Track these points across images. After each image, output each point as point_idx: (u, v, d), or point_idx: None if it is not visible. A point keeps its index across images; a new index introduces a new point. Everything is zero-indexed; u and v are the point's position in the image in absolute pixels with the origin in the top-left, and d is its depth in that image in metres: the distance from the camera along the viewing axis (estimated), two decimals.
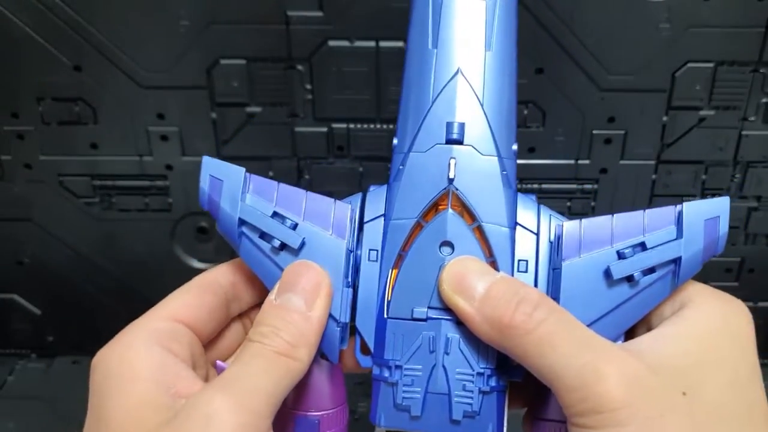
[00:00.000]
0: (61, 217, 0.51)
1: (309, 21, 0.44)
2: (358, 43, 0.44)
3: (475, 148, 0.30)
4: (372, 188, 0.32)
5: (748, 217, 0.49)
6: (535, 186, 0.48)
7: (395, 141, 0.31)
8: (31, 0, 0.43)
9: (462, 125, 0.30)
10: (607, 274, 0.28)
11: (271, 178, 0.48)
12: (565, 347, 0.26)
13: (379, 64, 0.45)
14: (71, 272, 0.53)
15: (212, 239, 0.51)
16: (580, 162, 0.47)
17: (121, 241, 0.52)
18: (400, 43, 0.44)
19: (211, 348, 0.32)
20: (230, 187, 0.30)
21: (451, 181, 0.29)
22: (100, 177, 0.49)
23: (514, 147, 0.31)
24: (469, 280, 0.28)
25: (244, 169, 0.31)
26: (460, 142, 0.30)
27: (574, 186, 0.48)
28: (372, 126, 0.47)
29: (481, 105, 0.30)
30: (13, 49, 0.45)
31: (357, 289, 0.30)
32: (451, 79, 0.30)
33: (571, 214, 0.49)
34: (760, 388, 0.27)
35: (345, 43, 0.44)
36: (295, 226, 0.30)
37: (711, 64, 0.44)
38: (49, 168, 0.49)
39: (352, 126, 0.47)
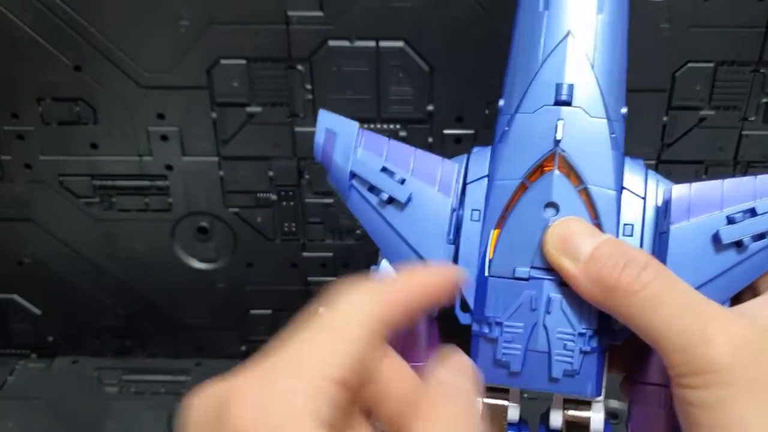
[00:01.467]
0: (61, 217, 0.51)
1: (309, 21, 0.44)
2: (358, 43, 0.44)
3: (584, 110, 0.29)
4: (476, 149, 0.32)
5: None
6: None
7: (501, 102, 0.31)
8: (31, 0, 0.43)
9: (571, 86, 0.29)
10: (716, 238, 0.28)
11: (271, 178, 0.49)
12: (671, 309, 0.26)
13: (379, 64, 0.45)
14: (71, 272, 0.53)
15: (212, 239, 0.51)
16: None
17: (121, 241, 0.52)
18: (400, 43, 0.44)
19: None
20: (344, 140, 0.31)
21: (557, 142, 0.29)
22: (100, 177, 0.49)
23: (624, 110, 0.30)
24: (574, 241, 0.28)
25: (357, 124, 0.31)
26: (568, 103, 0.29)
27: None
28: (372, 126, 0.47)
29: (592, 66, 0.30)
30: (13, 49, 0.45)
31: (458, 248, 0.30)
32: (562, 40, 0.30)
33: None
34: None
35: (345, 43, 0.44)
36: (402, 181, 0.30)
37: (711, 64, 0.44)
38: (49, 168, 0.49)
39: None
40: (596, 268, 0.27)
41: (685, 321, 0.25)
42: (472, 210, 0.30)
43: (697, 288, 0.28)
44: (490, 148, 0.31)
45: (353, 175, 0.31)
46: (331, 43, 0.44)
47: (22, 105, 0.47)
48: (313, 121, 0.46)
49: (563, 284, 0.28)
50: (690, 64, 0.44)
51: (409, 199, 0.30)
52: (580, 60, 0.30)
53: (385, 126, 0.47)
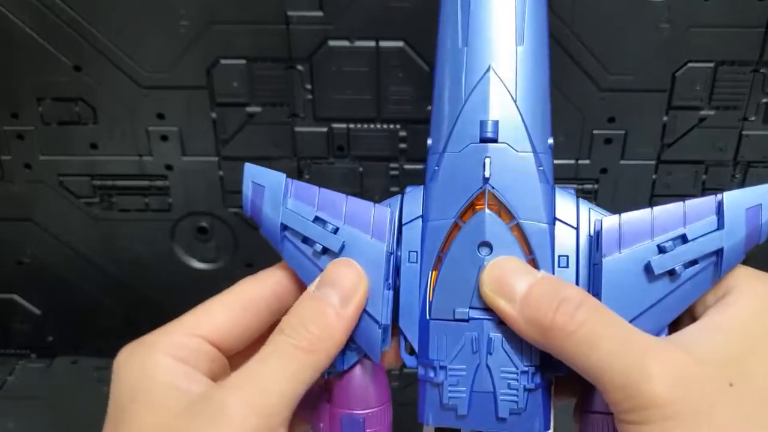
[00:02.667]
0: (61, 217, 0.51)
1: (309, 21, 0.44)
2: (358, 43, 0.44)
3: (510, 146, 0.29)
4: (409, 189, 0.32)
5: None
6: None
7: (429, 141, 0.31)
8: (31, 0, 0.43)
9: (495, 123, 0.29)
10: (648, 269, 0.28)
11: None
12: (608, 346, 0.26)
13: (379, 64, 0.45)
14: (71, 272, 0.53)
15: (212, 239, 0.51)
16: (580, 162, 0.47)
17: (121, 241, 0.52)
18: (400, 43, 0.44)
19: (243, 354, 0.32)
20: (272, 192, 0.31)
21: (486, 180, 0.29)
22: (100, 177, 0.49)
23: (550, 141, 0.30)
24: (509, 281, 0.28)
25: (284, 175, 0.31)
26: (494, 140, 0.29)
27: (574, 186, 0.48)
28: (372, 126, 0.47)
29: (515, 101, 0.30)
30: (13, 49, 0.45)
31: (398, 291, 0.31)
32: (483, 76, 0.30)
33: None
34: None
35: (345, 43, 0.44)
36: (336, 230, 0.30)
37: (711, 64, 0.44)
38: (49, 168, 0.49)
39: (352, 126, 0.47)
40: (531, 309, 0.27)
41: (624, 358, 0.25)
42: (409, 252, 0.31)
43: (633, 319, 0.28)
44: (422, 187, 0.31)
45: (285, 227, 0.31)
46: (331, 43, 0.44)
47: (22, 105, 0.47)
48: (314, 121, 0.47)
49: (503, 323, 0.28)
50: (690, 64, 0.44)
51: (342, 248, 0.30)
52: (502, 95, 0.30)
53: (385, 126, 0.47)
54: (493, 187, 0.29)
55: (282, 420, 0.27)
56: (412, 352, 0.31)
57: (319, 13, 0.43)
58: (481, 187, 0.29)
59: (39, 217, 0.51)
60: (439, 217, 0.30)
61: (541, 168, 0.30)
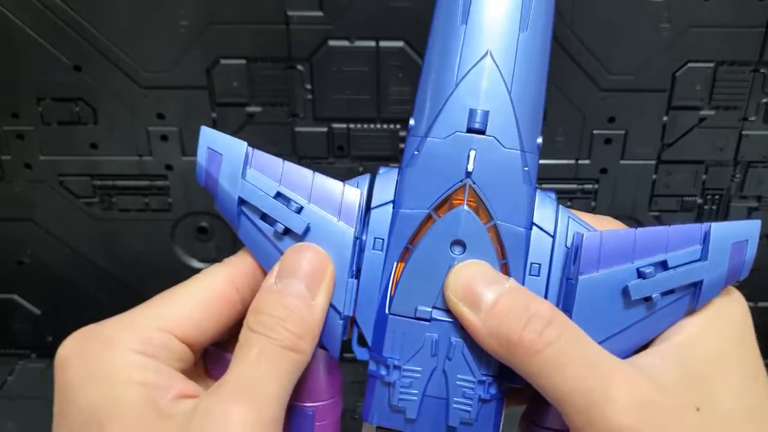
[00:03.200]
0: (61, 217, 0.51)
1: (309, 21, 0.44)
2: (358, 43, 0.44)
3: (497, 140, 0.28)
4: (382, 170, 0.30)
5: (748, 218, 0.49)
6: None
7: (411, 122, 0.29)
8: (31, 0, 0.43)
9: (486, 114, 0.27)
10: (625, 293, 0.27)
11: None
12: (575, 369, 0.25)
13: (379, 64, 0.45)
14: (71, 272, 0.53)
15: (212, 239, 0.51)
16: (580, 162, 0.47)
17: (121, 241, 0.52)
18: (400, 43, 0.44)
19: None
20: (230, 162, 0.28)
21: (469, 174, 0.27)
22: (100, 177, 0.49)
23: (539, 140, 0.29)
24: (476, 289, 0.27)
25: (245, 143, 0.29)
26: (482, 131, 0.27)
27: (574, 186, 0.48)
28: (372, 126, 0.47)
29: (509, 93, 0.28)
30: (13, 49, 0.45)
31: (359, 278, 0.29)
32: (479, 61, 0.28)
33: None
34: (765, 384, 0.27)
35: (345, 43, 0.44)
36: (300, 210, 0.28)
37: (711, 64, 0.44)
38: (49, 168, 0.49)
39: (352, 126, 0.47)
40: (497, 322, 0.26)
41: (589, 382, 0.25)
42: (375, 238, 0.28)
43: (603, 341, 0.27)
44: (397, 169, 0.29)
45: (243, 201, 0.28)
46: (331, 43, 0.44)
47: (22, 105, 0.47)
48: (314, 121, 0.47)
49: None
50: (690, 64, 0.44)
51: (307, 230, 0.28)
52: (497, 84, 0.28)
53: (384, 126, 0.47)
54: (474, 182, 0.27)
55: (281, 422, 0.25)
56: (364, 344, 0.29)
57: (319, 13, 0.43)
58: (461, 180, 0.27)
59: (39, 217, 0.51)
60: (412, 206, 0.28)
61: (526, 168, 0.28)
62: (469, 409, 0.27)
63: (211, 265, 0.52)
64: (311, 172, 0.29)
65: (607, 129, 0.46)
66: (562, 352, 0.25)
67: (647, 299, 0.27)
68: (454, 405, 0.27)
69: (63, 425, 0.26)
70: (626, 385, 0.25)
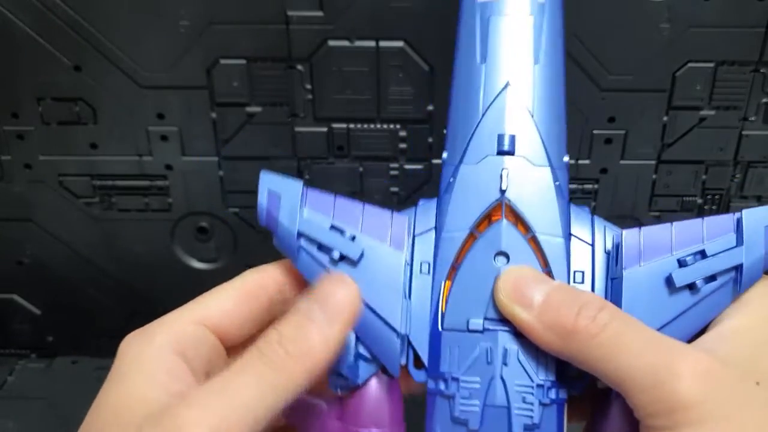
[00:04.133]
0: (61, 217, 0.51)
1: (309, 21, 0.44)
2: (358, 43, 0.44)
3: (527, 159, 0.30)
4: (422, 202, 0.31)
5: None
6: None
7: (445, 155, 0.31)
8: (31, 0, 0.43)
9: (513, 137, 0.30)
10: (669, 282, 0.28)
11: None
12: (634, 347, 0.25)
13: (379, 64, 0.45)
14: (71, 272, 0.53)
15: (212, 239, 0.51)
16: (580, 162, 0.47)
17: (121, 241, 0.52)
18: (400, 43, 0.44)
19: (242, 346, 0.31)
20: (288, 200, 0.30)
21: (503, 192, 0.29)
22: (100, 177, 0.49)
23: (566, 158, 0.31)
24: (526, 288, 0.27)
25: (302, 182, 0.30)
26: (511, 153, 0.29)
27: (574, 186, 0.48)
28: (372, 126, 0.47)
29: (532, 116, 0.30)
30: (13, 49, 0.45)
31: (410, 301, 0.30)
32: (501, 91, 0.30)
33: None
34: None
35: (345, 43, 0.44)
36: (353, 238, 0.30)
37: (711, 64, 0.44)
38: (49, 168, 0.49)
39: (352, 126, 0.47)
40: (551, 315, 0.27)
41: (650, 358, 0.25)
42: (421, 263, 0.30)
43: None
44: (435, 199, 0.31)
45: (301, 235, 0.30)
46: (331, 43, 0.44)
47: (22, 105, 0.47)
48: (314, 121, 0.47)
49: (519, 335, 0.28)
50: (690, 64, 0.44)
51: (361, 256, 0.29)
52: (520, 110, 0.30)
53: (385, 126, 0.47)
54: (509, 200, 0.29)
55: None
56: (420, 366, 0.30)
57: (319, 13, 0.43)
58: (498, 199, 0.29)
59: (39, 217, 0.51)
60: (454, 228, 0.30)
61: (558, 183, 0.30)
62: (531, 414, 0.28)
63: (210, 265, 0.53)
64: (361, 203, 0.30)
65: (607, 129, 0.46)
66: (619, 333, 0.26)
67: (692, 287, 0.28)
68: (516, 411, 0.28)
69: (92, 413, 0.27)
70: (689, 359, 0.25)
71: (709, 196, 0.48)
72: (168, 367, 0.27)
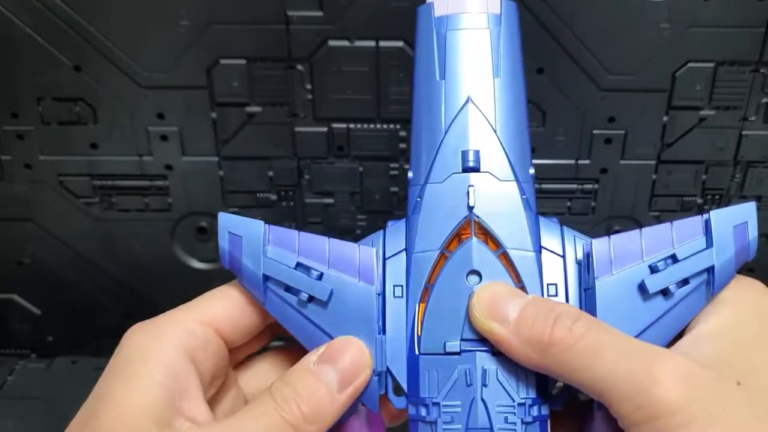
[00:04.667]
0: (61, 217, 0.51)
1: (309, 21, 0.44)
2: (358, 43, 0.44)
3: (492, 175, 0.29)
4: (390, 223, 0.31)
5: None
6: (536, 186, 0.48)
7: (410, 174, 0.31)
8: (31, 0, 0.43)
9: (477, 152, 0.29)
10: (642, 288, 0.28)
11: (271, 178, 0.49)
12: (612, 355, 0.25)
13: (379, 64, 0.45)
14: (71, 272, 0.53)
15: (212, 239, 0.51)
16: (580, 162, 0.47)
17: (121, 241, 0.52)
18: (400, 43, 0.44)
19: (239, 349, 0.32)
20: (250, 242, 0.29)
21: (471, 209, 0.29)
22: (100, 177, 0.49)
23: (531, 171, 0.30)
24: (501, 304, 0.27)
25: (262, 222, 0.30)
26: (476, 169, 0.29)
27: (574, 186, 0.48)
28: (372, 126, 0.47)
29: (494, 131, 0.30)
30: (13, 49, 0.45)
31: (385, 327, 0.29)
32: (462, 107, 0.30)
33: (571, 214, 0.49)
34: None
35: (345, 43, 0.44)
36: (320, 276, 0.29)
37: (711, 64, 0.44)
38: (49, 168, 0.49)
39: (352, 126, 0.47)
40: (527, 328, 0.26)
41: (629, 364, 0.25)
42: (394, 286, 0.30)
43: None
44: (404, 220, 0.31)
45: (267, 277, 0.29)
46: (331, 43, 0.44)
47: (22, 105, 0.47)
48: (314, 121, 0.47)
49: (497, 354, 0.28)
50: (690, 64, 0.44)
51: (330, 295, 0.29)
52: (482, 125, 0.30)
53: (384, 126, 0.47)
54: (477, 216, 0.29)
55: None
56: (400, 393, 0.29)
57: (319, 13, 0.43)
58: (466, 216, 0.29)
59: (39, 217, 0.51)
60: (424, 249, 0.29)
61: (525, 196, 0.29)
62: None
63: (210, 265, 0.53)
64: (326, 238, 0.30)
65: (607, 129, 0.46)
66: (597, 342, 0.25)
67: (665, 292, 0.28)
68: None
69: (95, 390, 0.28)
70: (669, 363, 0.25)
71: (709, 196, 0.48)
72: (177, 371, 0.27)
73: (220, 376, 0.30)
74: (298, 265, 0.29)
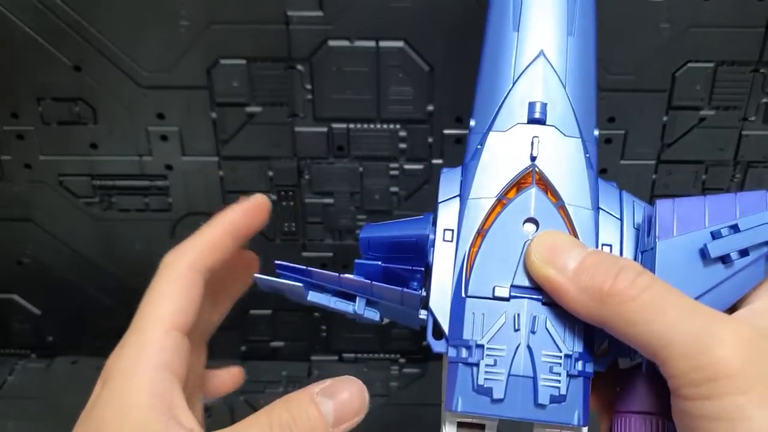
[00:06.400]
0: (61, 217, 0.51)
1: (309, 21, 0.44)
2: (358, 43, 0.44)
3: (557, 129, 0.29)
4: (445, 170, 0.31)
5: None
6: None
7: (472, 122, 0.31)
8: (31, 0, 0.43)
9: (544, 105, 0.29)
10: (703, 253, 0.27)
11: (271, 178, 0.49)
12: (675, 312, 0.24)
13: (379, 64, 0.45)
14: (71, 272, 0.53)
15: None
16: None
17: (121, 241, 0.52)
18: (400, 43, 0.44)
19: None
20: (294, 293, 0.31)
21: (534, 159, 0.29)
22: (100, 177, 0.49)
23: (596, 133, 0.30)
24: (561, 250, 0.27)
25: (301, 285, 0.30)
26: (542, 122, 0.29)
27: None
28: (372, 126, 0.47)
29: (564, 87, 0.30)
30: (13, 49, 0.45)
31: (431, 270, 0.29)
32: (534, 59, 0.30)
33: None
34: None
35: (345, 43, 0.44)
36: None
37: (711, 64, 0.44)
38: (49, 168, 0.49)
39: (352, 126, 0.47)
40: (588, 276, 0.26)
41: (691, 323, 0.24)
42: (444, 230, 0.29)
43: None
44: (460, 168, 0.30)
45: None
46: (331, 43, 0.44)
47: (22, 105, 0.47)
48: (314, 121, 0.47)
49: (546, 303, 0.27)
50: (690, 64, 0.44)
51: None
52: (552, 79, 0.30)
53: (384, 126, 0.47)
54: (539, 168, 0.29)
55: None
56: (439, 336, 0.28)
57: (319, 13, 0.43)
58: (528, 166, 0.29)
59: (39, 217, 0.51)
60: (481, 195, 0.29)
61: (588, 155, 0.29)
62: (558, 385, 0.27)
63: None
64: (369, 282, 0.30)
65: (607, 129, 0.46)
66: (659, 296, 0.25)
67: (725, 260, 0.27)
68: (542, 382, 0.27)
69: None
70: (732, 327, 0.24)
71: None
72: (162, 391, 0.28)
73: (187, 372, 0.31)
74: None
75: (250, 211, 0.34)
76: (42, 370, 0.56)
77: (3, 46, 0.45)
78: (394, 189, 0.49)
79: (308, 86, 0.45)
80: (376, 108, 0.46)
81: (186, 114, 0.47)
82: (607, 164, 0.47)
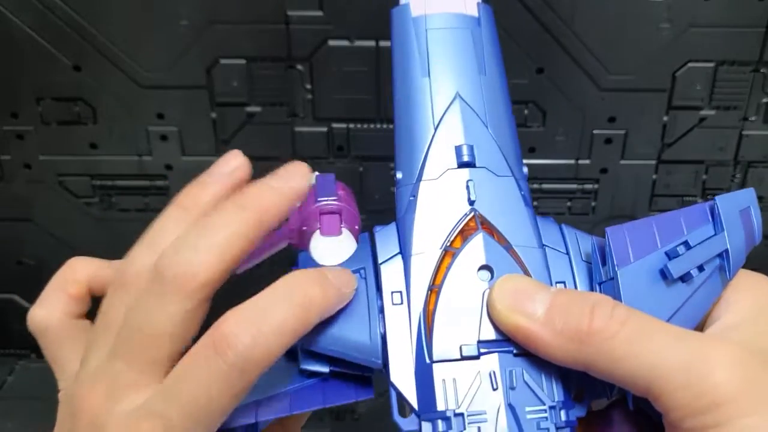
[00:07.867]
0: (61, 217, 0.51)
1: (309, 21, 0.44)
2: (358, 43, 0.44)
3: (489, 170, 0.28)
4: (378, 228, 0.29)
5: None
6: (535, 186, 0.48)
7: (398, 175, 0.29)
8: (31, 0, 0.43)
9: (471, 147, 0.28)
10: (664, 274, 0.26)
11: None
12: (661, 340, 0.23)
13: (379, 64, 0.45)
14: None
15: None
16: (580, 162, 0.47)
17: (121, 241, 0.52)
18: None
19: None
20: None
21: (472, 203, 0.27)
22: (100, 177, 0.49)
23: (525, 170, 0.29)
24: (526, 295, 0.25)
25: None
26: (472, 164, 0.28)
27: (574, 186, 0.48)
28: (372, 126, 0.47)
29: (486, 126, 0.29)
30: (13, 49, 0.45)
31: (385, 340, 0.26)
32: (452, 103, 0.29)
33: (571, 214, 0.49)
34: None
35: (345, 43, 0.44)
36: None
37: (711, 64, 0.44)
38: (49, 168, 0.49)
39: (352, 126, 0.47)
40: (561, 319, 0.24)
41: (681, 349, 0.23)
42: (392, 293, 0.27)
43: None
44: (393, 224, 0.29)
45: None
46: (331, 43, 0.44)
47: (21, 105, 0.47)
48: (314, 121, 0.47)
49: (519, 354, 0.25)
50: (690, 64, 0.44)
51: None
52: (474, 121, 0.29)
53: (384, 126, 0.47)
54: (479, 212, 0.27)
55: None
56: (405, 412, 0.26)
57: (319, 13, 0.43)
58: (468, 212, 0.27)
59: (39, 217, 0.51)
60: (424, 249, 0.27)
61: (523, 193, 0.28)
62: None
63: None
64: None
65: (607, 129, 0.46)
66: (640, 327, 0.23)
67: (685, 278, 0.26)
68: None
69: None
70: (721, 349, 0.23)
71: (709, 196, 0.48)
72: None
73: None
74: None
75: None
76: (42, 370, 0.56)
77: (3, 46, 0.45)
78: (394, 189, 0.49)
79: (308, 86, 0.45)
80: (376, 108, 0.46)
81: (186, 114, 0.47)
82: (607, 164, 0.47)
